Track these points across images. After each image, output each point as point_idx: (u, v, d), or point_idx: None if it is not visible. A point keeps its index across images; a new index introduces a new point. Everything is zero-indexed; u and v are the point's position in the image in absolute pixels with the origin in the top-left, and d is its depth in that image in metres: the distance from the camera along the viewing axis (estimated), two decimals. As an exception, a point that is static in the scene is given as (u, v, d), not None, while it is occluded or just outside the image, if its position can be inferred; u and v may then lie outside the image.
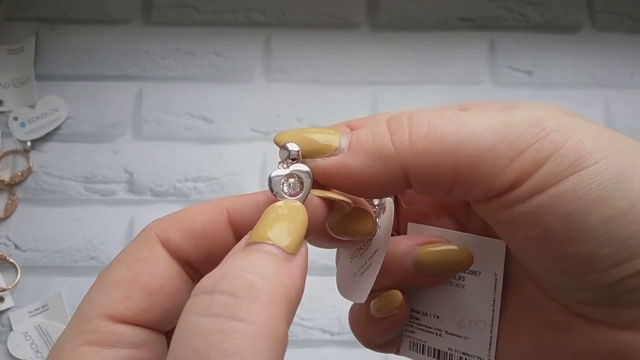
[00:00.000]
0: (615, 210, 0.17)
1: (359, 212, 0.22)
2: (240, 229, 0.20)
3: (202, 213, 0.20)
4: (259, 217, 0.19)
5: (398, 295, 0.24)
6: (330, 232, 0.22)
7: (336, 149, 0.20)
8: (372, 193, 0.20)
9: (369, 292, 0.23)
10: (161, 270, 0.19)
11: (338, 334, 0.59)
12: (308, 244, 0.19)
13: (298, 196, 0.20)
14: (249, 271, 0.16)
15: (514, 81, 0.67)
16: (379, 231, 0.24)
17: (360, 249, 0.24)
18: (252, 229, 0.18)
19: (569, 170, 0.17)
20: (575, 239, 0.17)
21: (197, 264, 0.20)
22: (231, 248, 0.18)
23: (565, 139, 0.17)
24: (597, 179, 0.17)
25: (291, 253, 0.17)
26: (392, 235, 0.25)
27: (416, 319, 0.25)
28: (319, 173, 0.20)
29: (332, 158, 0.20)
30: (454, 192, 0.19)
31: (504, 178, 0.18)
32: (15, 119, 0.64)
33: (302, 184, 0.20)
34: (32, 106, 0.64)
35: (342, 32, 0.69)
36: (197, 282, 0.17)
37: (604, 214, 0.17)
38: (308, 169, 0.20)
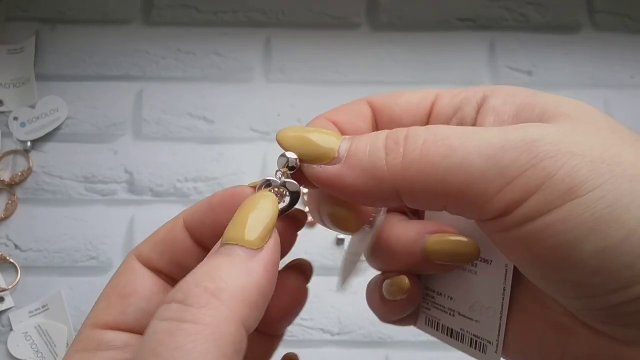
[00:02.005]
0: (608, 241, 0.16)
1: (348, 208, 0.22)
2: (193, 230, 0.22)
3: (165, 225, 0.23)
4: (206, 216, 0.21)
5: (405, 282, 0.24)
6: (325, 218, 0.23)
7: (334, 157, 0.20)
8: (365, 204, 0.20)
9: (345, 287, 0.24)
10: (134, 278, 0.21)
11: (338, 334, 0.59)
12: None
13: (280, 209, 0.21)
14: (205, 278, 0.17)
15: (514, 81, 0.67)
16: (366, 239, 0.24)
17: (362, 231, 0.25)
18: (202, 227, 0.21)
19: (561, 199, 0.17)
20: (566, 268, 0.17)
21: (164, 269, 0.22)
22: (189, 249, 0.21)
23: (559, 166, 0.17)
24: (591, 209, 0.16)
25: (255, 249, 0.18)
26: (410, 218, 0.26)
27: (432, 297, 0.26)
28: (315, 179, 0.20)
29: (329, 168, 0.20)
30: (448, 211, 0.19)
31: (493, 205, 0.18)
32: (15, 119, 0.64)
33: (288, 196, 0.21)
34: (32, 106, 0.64)
35: (342, 32, 0.69)
36: (172, 286, 0.19)
37: (596, 245, 0.16)
38: (299, 189, 0.21)
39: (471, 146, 0.18)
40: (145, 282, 0.21)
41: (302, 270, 0.23)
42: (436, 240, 0.23)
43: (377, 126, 0.24)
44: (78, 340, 0.20)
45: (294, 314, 0.23)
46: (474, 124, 0.21)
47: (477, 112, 0.21)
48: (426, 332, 0.26)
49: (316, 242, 0.61)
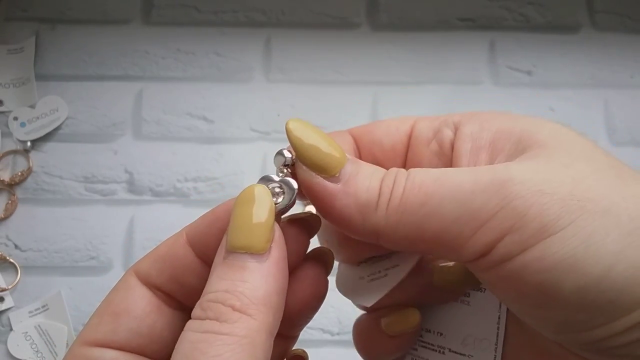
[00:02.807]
0: (588, 278, 0.16)
1: None
2: (197, 244, 0.21)
3: (166, 240, 0.22)
4: (211, 226, 0.21)
5: (416, 314, 0.23)
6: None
7: (335, 176, 0.19)
8: (339, 229, 0.20)
9: (378, 299, 0.23)
10: (128, 295, 0.21)
11: (338, 334, 0.59)
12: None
13: (277, 205, 0.20)
14: (228, 297, 0.18)
15: (514, 81, 0.67)
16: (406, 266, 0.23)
17: (373, 257, 0.24)
18: (208, 238, 0.20)
19: (534, 238, 0.17)
20: (549, 305, 0.17)
21: (163, 286, 0.21)
22: (190, 266, 0.21)
23: (529, 206, 0.17)
24: (565, 247, 0.16)
25: (263, 254, 0.19)
26: None
27: (420, 336, 0.25)
28: (307, 187, 0.20)
29: (325, 184, 0.19)
30: (428, 254, 0.20)
31: (469, 249, 0.18)
32: (15, 119, 0.64)
33: (285, 195, 0.20)
34: (32, 106, 0.64)
35: (342, 32, 0.69)
36: (168, 305, 0.21)
37: (576, 282, 0.16)
38: (295, 186, 0.20)
39: (445, 192, 0.18)
40: (140, 300, 0.21)
41: (321, 259, 0.23)
42: (441, 266, 0.23)
43: (359, 152, 0.23)
44: (68, 357, 0.20)
45: (313, 309, 0.22)
46: (452, 146, 0.21)
47: (455, 133, 0.21)
48: None
49: (316, 243, 0.61)
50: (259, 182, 0.20)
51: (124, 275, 0.22)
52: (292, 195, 0.20)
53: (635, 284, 0.16)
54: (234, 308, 0.18)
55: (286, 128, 0.20)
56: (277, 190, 0.20)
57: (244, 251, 0.18)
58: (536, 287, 0.17)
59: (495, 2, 0.69)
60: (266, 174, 0.21)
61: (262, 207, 0.19)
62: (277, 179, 0.20)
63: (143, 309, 0.21)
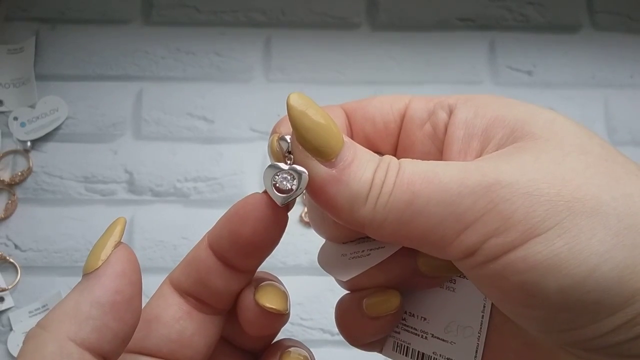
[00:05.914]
0: (571, 279, 0.16)
1: None
2: (214, 246, 0.21)
3: (194, 246, 0.22)
4: (223, 228, 0.21)
5: (397, 296, 0.23)
6: None
7: (331, 161, 0.19)
8: (328, 214, 0.20)
9: (354, 275, 0.23)
10: (160, 302, 0.22)
11: (338, 334, 0.59)
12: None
13: (287, 194, 0.20)
14: (48, 314, 0.18)
15: (514, 81, 0.67)
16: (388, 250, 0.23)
17: (361, 237, 0.24)
18: (222, 241, 0.21)
19: (519, 240, 0.17)
20: (533, 304, 0.17)
21: (191, 290, 0.22)
22: (212, 268, 0.21)
23: (515, 209, 0.17)
24: (549, 247, 0.16)
25: (91, 272, 0.19)
26: None
27: (403, 320, 0.24)
28: (299, 165, 0.20)
29: (320, 169, 0.19)
30: (414, 248, 0.20)
31: (453, 249, 0.18)
32: (15, 119, 0.64)
33: (296, 181, 0.20)
34: (32, 106, 0.64)
35: (342, 32, 0.69)
36: (199, 310, 0.22)
37: (560, 283, 0.16)
38: (306, 174, 0.19)
39: (431, 193, 0.18)
40: (169, 308, 0.21)
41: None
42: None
43: (350, 128, 0.23)
44: None
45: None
46: (445, 130, 0.21)
47: (449, 116, 0.21)
48: (393, 358, 0.24)
49: (316, 242, 0.61)
50: (267, 170, 0.20)
51: (160, 285, 0.22)
52: (304, 184, 0.19)
53: (621, 285, 0.16)
54: (39, 325, 0.18)
55: (287, 103, 0.19)
56: (288, 177, 0.20)
57: (85, 273, 0.20)
58: (519, 286, 0.17)
59: (495, 2, 0.69)
60: (272, 163, 0.20)
61: (106, 236, 0.20)
62: (285, 167, 0.20)
63: (172, 316, 0.21)
